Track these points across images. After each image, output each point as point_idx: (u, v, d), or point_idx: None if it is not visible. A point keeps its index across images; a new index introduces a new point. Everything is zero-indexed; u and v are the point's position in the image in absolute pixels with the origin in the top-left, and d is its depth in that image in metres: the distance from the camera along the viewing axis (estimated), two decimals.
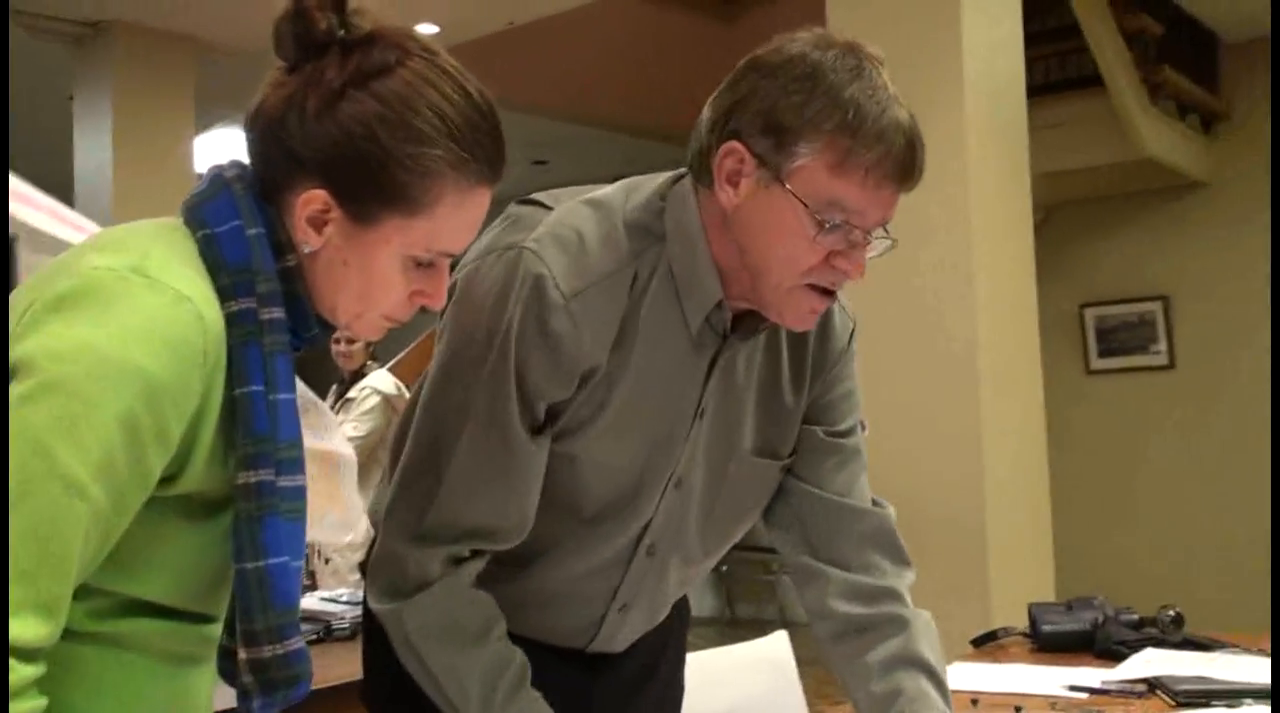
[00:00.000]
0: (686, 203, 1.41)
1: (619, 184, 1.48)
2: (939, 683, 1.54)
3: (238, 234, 1.11)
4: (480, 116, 1.15)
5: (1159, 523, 7.24)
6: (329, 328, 1.20)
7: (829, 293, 1.39)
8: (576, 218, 1.40)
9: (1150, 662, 2.18)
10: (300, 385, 1.19)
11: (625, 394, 1.42)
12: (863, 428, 1.62)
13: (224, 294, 1.09)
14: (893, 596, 1.57)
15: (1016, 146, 4.54)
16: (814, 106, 1.30)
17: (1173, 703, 1.92)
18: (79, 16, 6.00)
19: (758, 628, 2.68)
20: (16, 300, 1.07)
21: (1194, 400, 7.22)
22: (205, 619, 1.17)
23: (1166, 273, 7.32)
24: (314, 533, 3.24)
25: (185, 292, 1.05)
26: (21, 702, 0.96)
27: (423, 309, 1.20)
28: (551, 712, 1.41)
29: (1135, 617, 2.39)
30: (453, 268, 1.32)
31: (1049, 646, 2.36)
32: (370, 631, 1.52)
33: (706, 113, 1.40)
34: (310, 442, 3.05)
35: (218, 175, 1.16)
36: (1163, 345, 7.40)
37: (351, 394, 5.04)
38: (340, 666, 2.51)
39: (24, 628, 0.96)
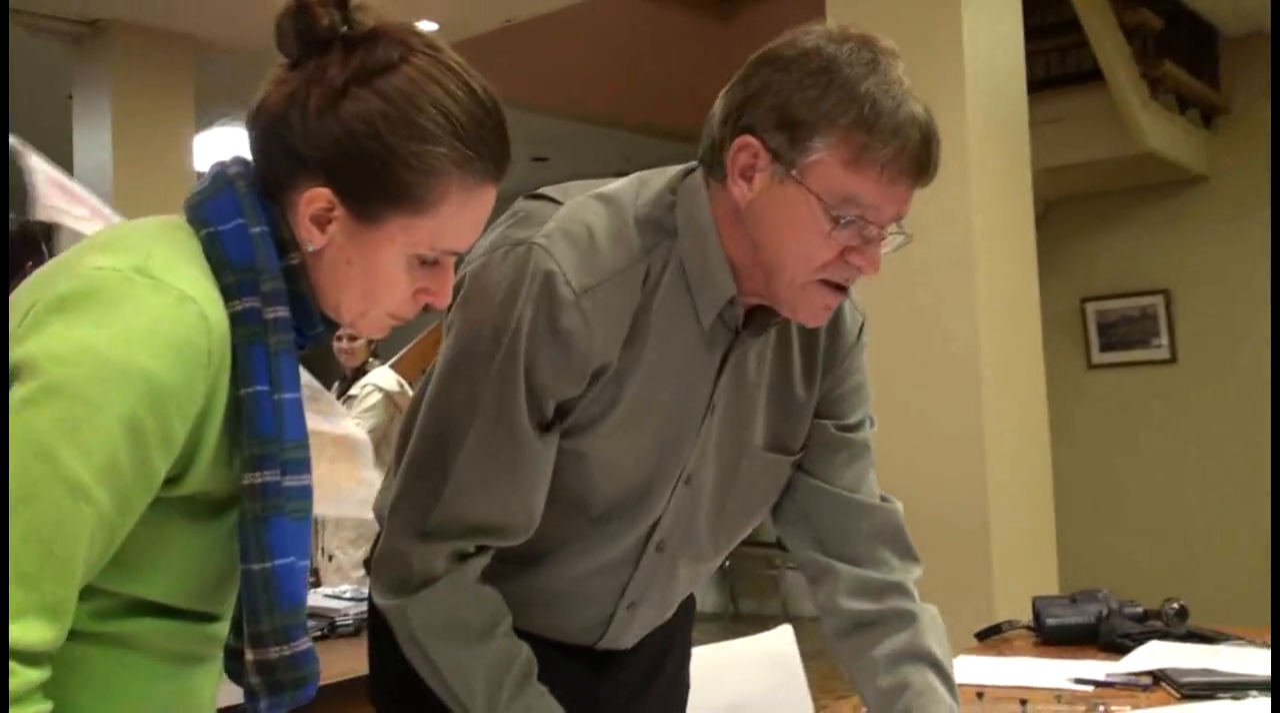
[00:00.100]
0: (698, 197, 1.40)
1: (629, 179, 1.46)
2: (946, 677, 1.54)
3: (241, 232, 1.10)
4: (485, 113, 1.14)
5: (1161, 517, 7.24)
6: (333, 326, 1.19)
7: (842, 289, 1.38)
8: (587, 213, 1.39)
9: (1155, 655, 2.18)
10: (305, 375, 1.19)
11: (636, 391, 1.41)
12: (871, 423, 1.62)
13: (228, 293, 1.08)
14: (900, 591, 1.57)
15: (1017, 142, 4.54)
16: (829, 101, 1.29)
17: (1178, 696, 1.92)
18: (78, 15, 6.00)
19: (761, 623, 2.68)
20: (18, 300, 1.06)
21: (1195, 394, 7.22)
22: (210, 619, 1.17)
23: (1167, 267, 7.32)
24: (344, 508, 3.33)
25: (189, 292, 1.04)
26: (26, 706, 0.95)
27: (427, 307, 1.19)
28: (558, 706, 1.40)
29: (1139, 610, 2.39)
30: (459, 264, 1.31)
31: (1053, 639, 2.36)
32: (375, 626, 1.52)
33: (719, 106, 1.38)
34: (325, 426, 3.09)
35: (220, 173, 1.15)
36: (1164, 339, 7.40)
37: (353, 391, 5.04)
38: (344, 662, 2.51)
39: (28, 632, 0.95)
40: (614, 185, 1.45)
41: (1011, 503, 4.25)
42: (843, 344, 1.56)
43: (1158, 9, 6.58)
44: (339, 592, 3.23)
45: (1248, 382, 6.93)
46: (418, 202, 1.11)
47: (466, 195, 1.14)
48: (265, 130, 1.13)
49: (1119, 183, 7.21)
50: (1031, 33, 4.84)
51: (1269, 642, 2.24)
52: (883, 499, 1.61)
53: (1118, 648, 2.26)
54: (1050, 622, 2.37)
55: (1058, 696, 1.95)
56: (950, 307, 4.16)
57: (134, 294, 1.02)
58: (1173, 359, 7.39)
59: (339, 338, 5.01)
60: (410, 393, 5.07)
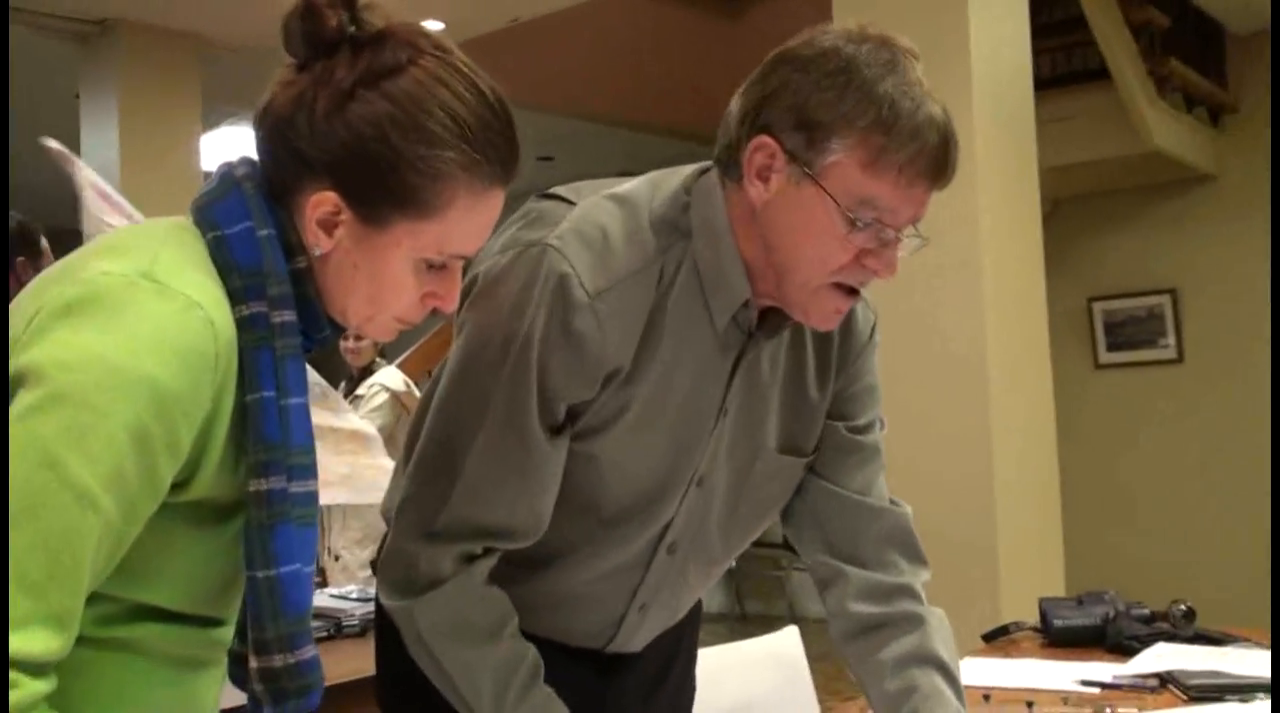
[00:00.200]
0: (713, 198, 1.39)
1: (643, 179, 1.45)
2: (953, 681, 1.54)
3: (249, 236, 1.09)
4: (494, 116, 1.13)
5: (1168, 517, 7.22)
6: (340, 329, 1.18)
7: (854, 292, 1.37)
8: (601, 214, 1.37)
9: (1162, 657, 2.17)
10: (311, 373, 1.18)
11: (648, 394, 1.40)
12: (881, 426, 1.62)
13: (235, 297, 1.07)
14: (909, 594, 1.57)
15: (1024, 141, 4.53)
16: (848, 102, 1.28)
17: (1185, 698, 1.92)
18: (84, 14, 6.00)
19: (767, 624, 2.68)
20: (21, 305, 1.05)
21: (1203, 394, 7.20)
22: (214, 623, 1.16)
23: (1175, 266, 7.30)
24: (373, 496, 3.40)
25: (196, 298, 1.03)
26: None
27: (435, 310, 1.18)
28: (564, 708, 1.40)
29: (1147, 611, 2.38)
30: (470, 264, 1.30)
31: (1060, 641, 2.35)
32: (382, 627, 1.51)
33: (736, 105, 1.37)
34: (337, 423, 3.12)
35: (228, 174, 1.14)
36: (1171, 339, 7.38)
37: (360, 391, 5.04)
38: (350, 662, 2.51)
39: (33, 642, 0.94)
40: (628, 185, 1.43)
41: (1018, 503, 4.24)
42: (855, 344, 1.55)
43: (1165, 7, 6.57)
44: (345, 592, 3.23)
45: (1255, 382, 6.91)
46: (425, 206, 1.10)
47: (474, 199, 1.12)
48: (271, 132, 1.12)
49: (1126, 182, 7.20)
50: (1038, 31, 4.83)
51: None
52: (892, 503, 1.60)
53: (1125, 650, 2.26)
54: (1057, 623, 2.37)
55: (1065, 698, 1.94)
56: (957, 306, 4.16)
57: (140, 300, 1.01)
58: (1180, 359, 7.37)
59: (345, 338, 5.01)
60: (417, 393, 5.07)
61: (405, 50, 1.11)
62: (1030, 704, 1.87)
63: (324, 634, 2.79)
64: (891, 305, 1.44)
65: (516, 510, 1.38)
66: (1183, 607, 2.35)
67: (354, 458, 3.26)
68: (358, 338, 5.02)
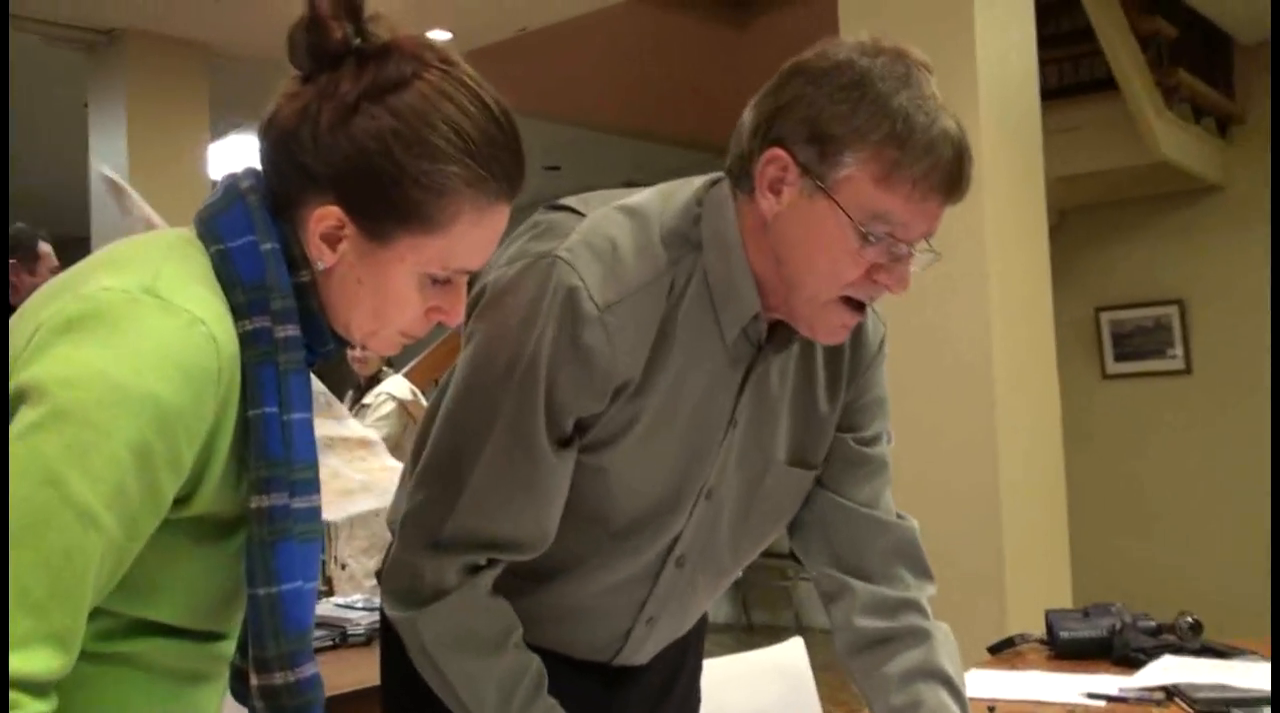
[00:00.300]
0: (724, 210, 1.38)
1: (653, 190, 1.44)
2: (958, 696, 1.53)
3: (252, 250, 1.09)
4: (499, 131, 1.12)
5: (1176, 528, 7.20)
6: (344, 343, 1.18)
7: (861, 308, 1.36)
8: (611, 226, 1.36)
9: (1168, 669, 2.17)
10: (315, 382, 1.18)
11: (657, 406, 1.39)
12: (889, 439, 1.61)
13: (238, 312, 1.06)
14: (914, 608, 1.57)
15: (1030, 152, 4.53)
16: (861, 115, 1.27)
17: (1191, 711, 1.91)
18: (93, 24, 6.02)
19: (774, 634, 2.67)
20: (23, 319, 1.05)
21: (1210, 405, 7.19)
22: (216, 637, 1.16)
23: (1182, 277, 7.29)
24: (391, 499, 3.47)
25: (198, 313, 1.02)
26: None
27: (440, 323, 1.18)
28: None
29: (1153, 624, 2.37)
30: (471, 283, 1.29)
31: (1066, 652, 2.35)
32: (387, 637, 1.51)
33: (748, 117, 1.36)
34: (344, 431, 3.15)
35: (232, 185, 1.13)
36: (1179, 350, 7.36)
37: (367, 400, 5.04)
38: (355, 672, 2.51)
39: (34, 661, 0.93)
40: (638, 197, 1.43)
41: (1024, 514, 4.23)
42: (865, 355, 1.55)
43: (1172, 17, 6.56)
44: (351, 601, 3.22)
45: (1263, 393, 6.89)
46: (429, 221, 1.09)
47: (479, 215, 1.11)
48: (275, 145, 1.11)
49: (1134, 192, 7.19)
50: (1045, 41, 4.83)
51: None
52: (899, 516, 1.60)
53: (1131, 662, 2.25)
54: (1063, 635, 2.36)
55: (1070, 710, 1.94)
56: (963, 316, 4.15)
57: (142, 316, 1.00)
58: (1187, 370, 7.36)
59: (351, 347, 5.01)
60: (424, 402, 5.08)
61: (410, 64, 1.10)
62: None
63: (329, 644, 2.79)
64: (897, 315, 1.44)
65: (522, 523, 1.38)
66: (1189, 619, 2.34)
67: (365, 464, 3.30)
68: (364, 347, 5.03)
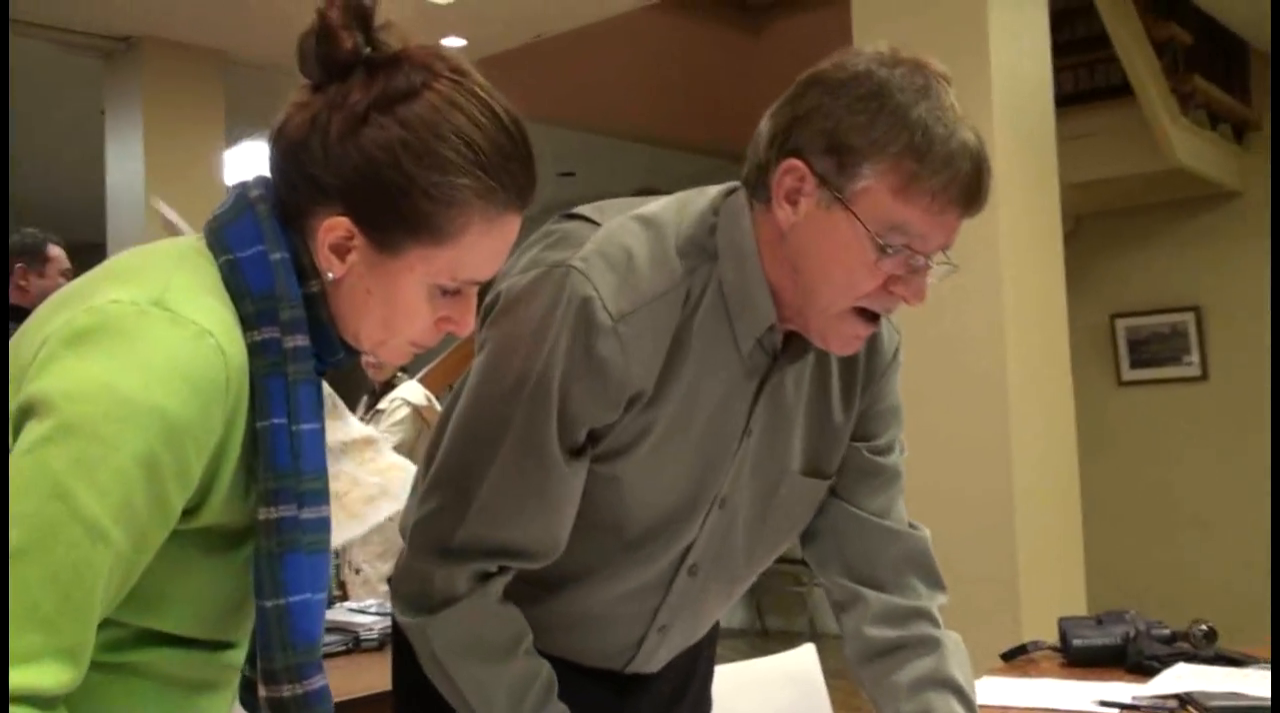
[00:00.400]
0: (740, 219, 1.37)
1: (669, 199, 1.44)
2: (969, 705, 1.53)
3: (261, 259, 1.08)
4: (510, 141, 1.11)
5: (1192, 535, 7.17)
6: (355, 352, 1.17)
7: (874, 319, 1.36)
8: (626, 236, 1.36)
9: (1182, 677, 2.16)
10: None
11: (671, 416, 1.38)
12: (902, 450, 1.61)
13: (247, 323, 1.06)
14: (925, 617, 1.56)
15: (1044, 158, 4.52)
16: (880, 127, 1.27)
17: None
18: (110, 31, 6.05)
19: (788, 640, 2.67)
20: (31, 328, 1.05)
21: (1227, 412, 7.16)
22: (225, 647, 1.15)
23: (1199, 283, 7.26)
24: (403, 500, 3.54)
25: (206, 325, 1.02)
26: None
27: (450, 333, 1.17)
28: None
29: (1167, 631, 2.36)
30: (485, 290, 1.29)
31: (1079, 660, 2.34)
32: (399, 642, 1.51)
33: (765, 127, 1.36)
34: (353, 433, 3.17)
35: (242, 195, 1.13)
36: (1195, 356, 7.34)
37: (381, 405, 5.05)
38: (368, 676, 2.51)
39: (44, 675, 0.93)
40: (653, 206, 1.42)
41: (1039, 521, 4.22)
42: (880, 364, 1.55)
43: (1188, 24, 6.55)
44: (364, 606, 3.23)
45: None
46: (438, 232, 1.09)
47: (489, 226, 1.11)
48: (285, 155, 1.11)
49: (1149, 198, 7.17)
50: (1061, 47, 4.83)
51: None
52: (911, 526, 1.60)
53: (1145, 670, 2.24)
54: (1076, 643, 2.35)
55: None
56: (977, 324, 4.15)
57: (150, 329, 1.00)
58: (1204, 376, 7.33)
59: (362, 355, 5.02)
60: (438, 407, 5.08)
61: (420, 73, 1.09)
62: None
63: (342, 649, 2.80)
64: (912, 322, 1.44)
65: (533, 531, 1.37)
66: (1204, 627, 2.33)
67: (375, 465, 3.31)
68: (374, 356, 5.04)
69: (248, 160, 6.95)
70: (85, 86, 6.62)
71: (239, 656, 1.18)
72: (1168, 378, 7.41)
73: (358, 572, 4.93)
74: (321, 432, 1.11)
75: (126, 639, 1.07)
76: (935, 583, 1.59)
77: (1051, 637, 2.50)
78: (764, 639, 8.44)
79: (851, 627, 1.58)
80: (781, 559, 1.64)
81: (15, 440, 0.98)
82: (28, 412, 0.98)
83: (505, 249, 1.15)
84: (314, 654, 1.10)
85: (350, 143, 1.07)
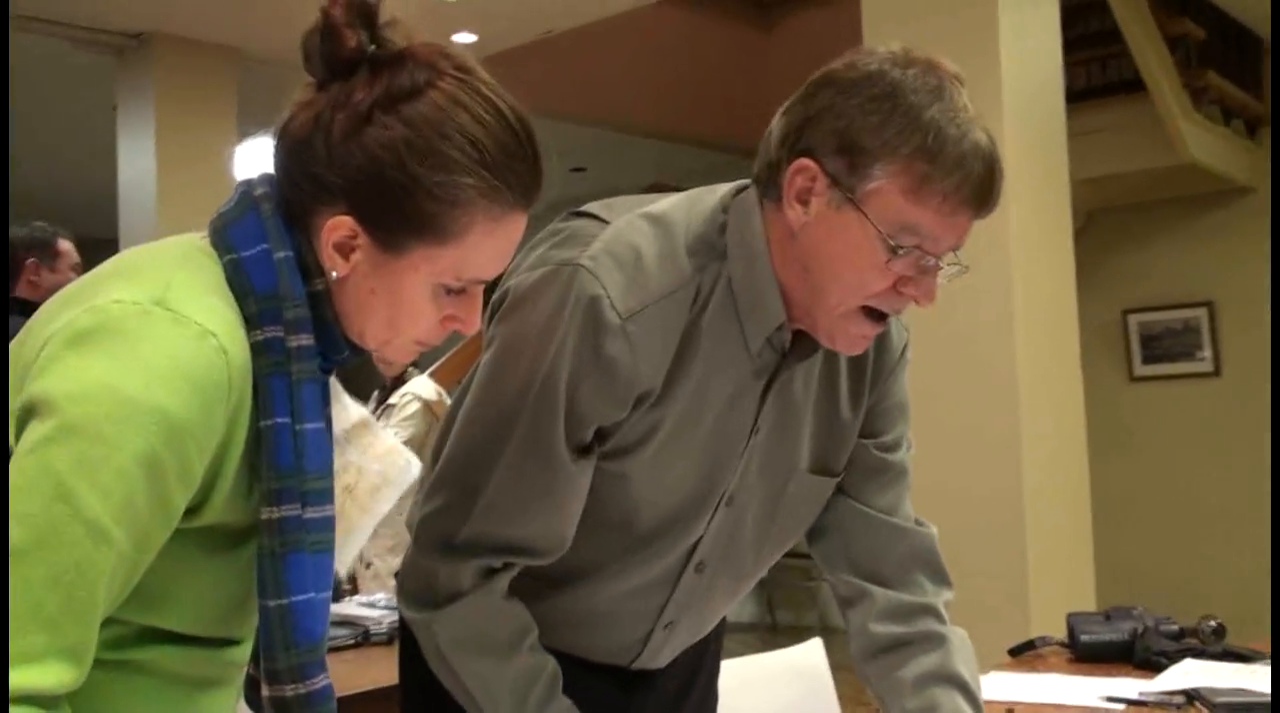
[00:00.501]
0: (750, 218, 1.37)
1: (678, 198, 1.44)
2: (974, 701, 1.53)
3: (265, 258, 1.08)
4: (515, 140, 1.10)
5: (1204, 531, 7.15)
6: (360, 350, 1.17)
7: (882, 318, 1.36)
8: (634, 234, 1.36)
9: (1189, 673, 2.16)
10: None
11: (679, 414, 1.38)
12: (909, 446, 1.61)
13: (250, 322, 1.06)
14: (931, 613, 1.57)
15: (1055, 154, 4.51)
16: (892, 128, 1.26)
17: None
18: (122, 28, 6.08)
19: (798, 634, 2.67)
20: (35, 326, 1.05)
21: (1239, 408, 7.13)
22: (228, 644, 1.15)
23: (1211, 279, 7.24)
24: (408, 479, 3.58)
25: (209, 326, 1.02)
26: None
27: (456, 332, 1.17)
28: None
29: (1175, 627, 2.36)
30: (493, 287, 1.29)
31: (1087, 656, 2.34)
32: (405, 637, 1.51)
33: (777, 125, 1.35)
34: (350, 417, 3.23)
35: (246, 193, 1.13)
36: (1208, 352, 7.32)
37: (392, 400, 5.05)
38: (377, 670, 2.53)
39: (47, 675, 0.93)
40: (663, 204, 1.42)
41: (1048, 517, 4.22)
42: (888, 361, 1.54)
43: (1201, 19, 6.53)
44: (374, 600, 3.24)
45: None
46: (442, 232, 1.08)
47: (493, 225, 1.10)
48: (289, 153, 1.10)
49: (1162, 194, 7.15)
50: (1073, 42, 4.82)
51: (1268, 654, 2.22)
52: (918, 523, 1.60)
53: (1152, 666, 2.24)
54: (1084, 638, 2.35)
55: None
56: (987, 320, 4.14)
57: (152, 329, 1.00)
58: (1216, 373, 7.31)
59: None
60: (449, 402, 5.08)
61: (424, 72, 1.08)
62: None
63: (351, 642, 2.81)
64: (921, 319, 1.44)
65: (539, 529, 1.38)
66: (1212, 623, 2.33)
67: (374, 450, 3.30)
68: (379, 355, 5.04)
69: (259, 156, 6.97)
70: (97, 82, 6.64)
71: (243, 652, 1.18)
72: (1180, 374, 7.39)
73: (368, 566, 4.95)
74: (325, 431, 1.11)
75: (129, 637, 1.07)
76: (942, 580, 1.59)
77: (1060, 633, 2.50)
78: (774, 634, 8.44)
79: (857, 623, 1.58)
80: (792, 554, 1.64)
81: (18, 440, 0.98)
82: (31, 412, 0.98)
83: (510, 249, 1.15)
84: (317, 654, 1.09)
85: (354, 142, 1.07)
